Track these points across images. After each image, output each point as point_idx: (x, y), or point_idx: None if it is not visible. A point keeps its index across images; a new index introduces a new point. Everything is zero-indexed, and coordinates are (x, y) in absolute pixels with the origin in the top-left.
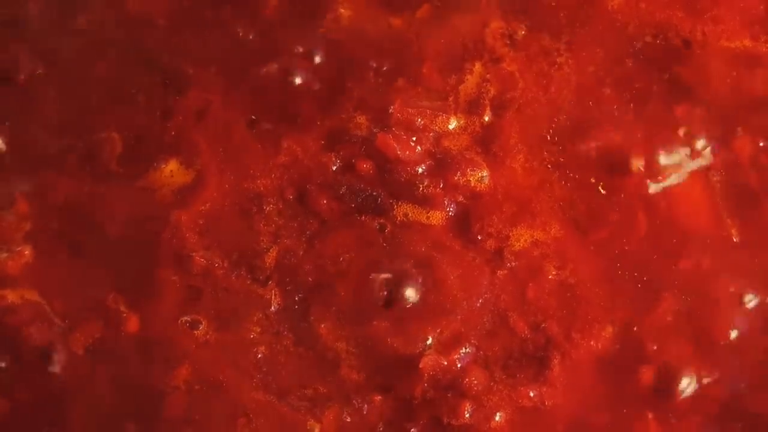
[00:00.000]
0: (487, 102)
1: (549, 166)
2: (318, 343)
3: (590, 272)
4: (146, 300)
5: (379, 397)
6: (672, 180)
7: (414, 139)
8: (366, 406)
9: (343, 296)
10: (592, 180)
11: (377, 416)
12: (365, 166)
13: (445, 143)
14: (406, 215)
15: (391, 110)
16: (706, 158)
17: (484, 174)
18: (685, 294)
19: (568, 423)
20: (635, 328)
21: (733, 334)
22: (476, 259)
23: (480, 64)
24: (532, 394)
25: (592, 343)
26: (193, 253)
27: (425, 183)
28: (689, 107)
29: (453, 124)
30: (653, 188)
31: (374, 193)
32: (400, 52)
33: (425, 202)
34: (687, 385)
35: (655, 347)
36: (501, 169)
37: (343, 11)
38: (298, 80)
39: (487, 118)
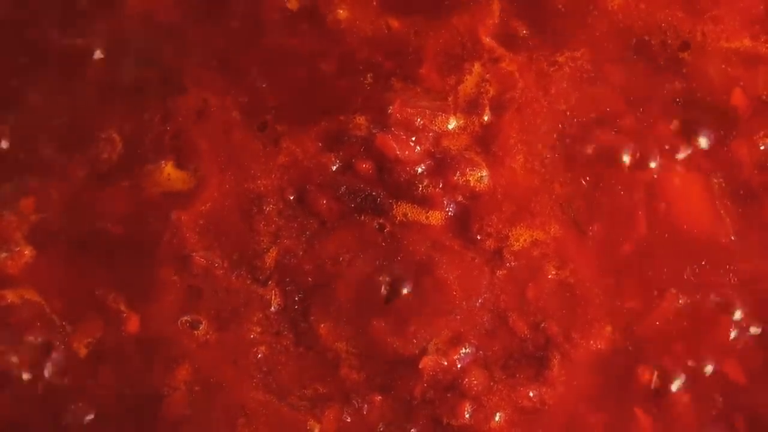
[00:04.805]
0: (486, 102)
1: (548, 165)
2: (318, 343)
3: (590, 272)
4: (146, 300)
5: (379, 397)
6: (672, 180)
7: (413, 139)
8: (366, 406)
9: (343, 296)
10: (592, 180)
11: (377, 416)
12: (365, 166)
13: (445, 143)
14: (405, 215)
15: (390, 110)
16: (706, 158)
17: (484, 174)
18: (685, 294)
19: (567, 422)
20: (634, 328)
21: (733, 334)
22: (476, 259)
23: (479, 64)
24: (531, 394)
25: (591, 342)
26: (193, 253)
27: (425, 183)
28: (689, 107)
29: (452, 124)
30: (653, 188)
31: (373, 193)
32: (399, 53)
33: (424, 201)
34: (686, 385)
35: (654, 347)
36: (500, 168)
37: (342, 12)
38: (298, 81)
39: (486, 118)
